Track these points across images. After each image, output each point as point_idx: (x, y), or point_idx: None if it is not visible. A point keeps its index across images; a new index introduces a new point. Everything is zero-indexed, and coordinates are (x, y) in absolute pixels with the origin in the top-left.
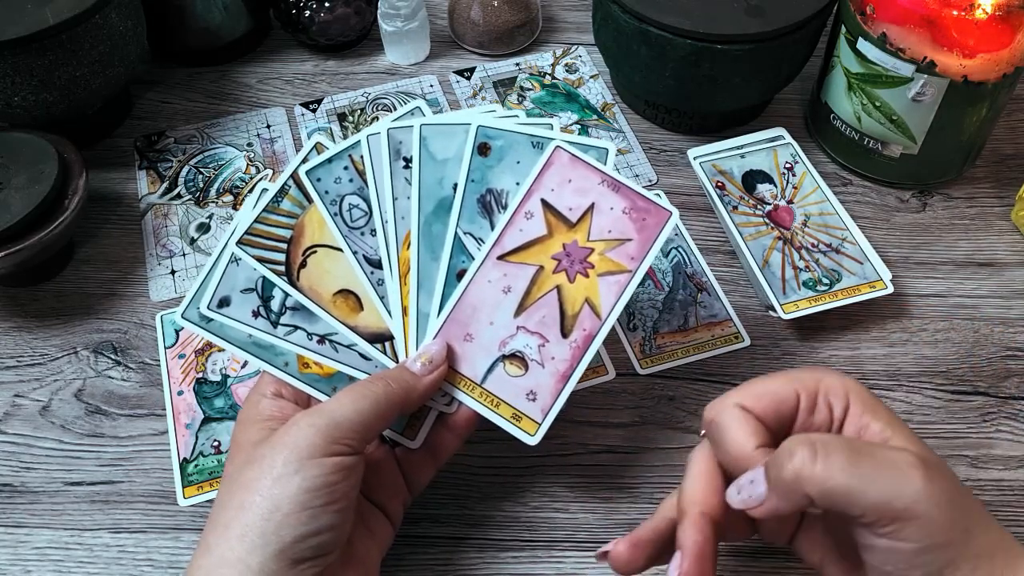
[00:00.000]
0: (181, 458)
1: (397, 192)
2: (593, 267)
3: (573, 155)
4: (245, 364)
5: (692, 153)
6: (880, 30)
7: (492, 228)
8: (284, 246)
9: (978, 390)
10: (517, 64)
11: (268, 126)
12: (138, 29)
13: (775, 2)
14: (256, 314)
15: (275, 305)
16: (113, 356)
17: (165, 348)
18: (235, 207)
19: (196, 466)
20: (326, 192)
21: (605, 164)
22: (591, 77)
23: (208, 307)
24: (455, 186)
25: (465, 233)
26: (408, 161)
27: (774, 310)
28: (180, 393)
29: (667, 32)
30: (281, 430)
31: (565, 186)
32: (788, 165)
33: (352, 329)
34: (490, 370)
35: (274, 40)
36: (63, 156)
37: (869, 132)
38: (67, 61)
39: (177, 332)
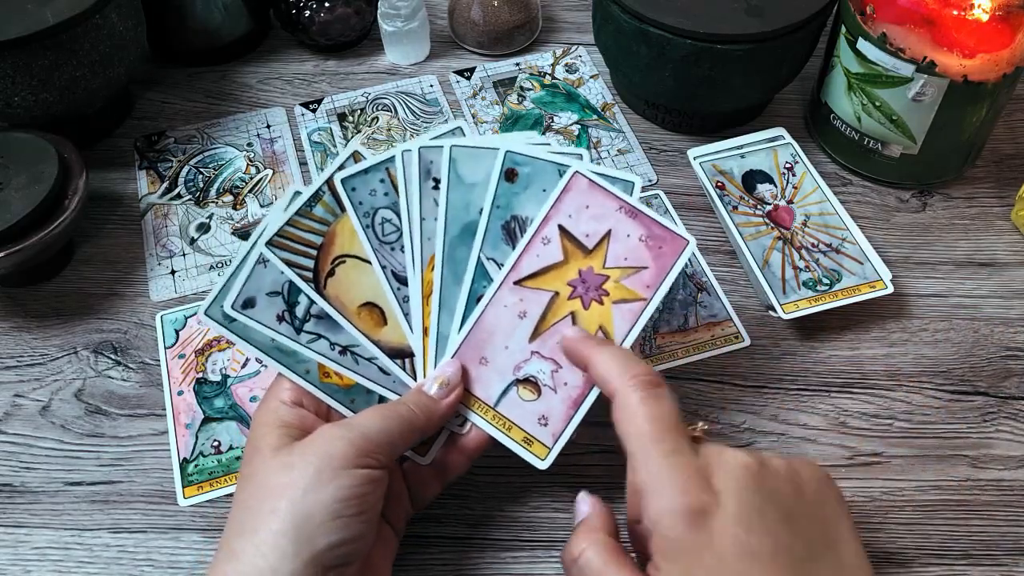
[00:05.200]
0: (181, 458)
1: (425, 212)
2: (608, 294)
3: (591, 181)
4: (245, 364)
5: (692, 153)
6: (880, 30)
7: None
8: (314, 252)
9: (978, 390)
10: (517, 64)
11: (268, 126)
12: (138, 29)
13: (775, 2)
14: (280, 319)
15: (300, 311)
16: (113, 356)
17: (165, 348)
18: (235, 207)
19: (196, 466)
20: (360, 203)
21: (630, 194)
22: (591, 77)
23: (232, 307)
24: (481, 211)
25: (488, 259)
26: (438, 182)
27: (774, 310)
28: (180, 393)
29: (667, 32)
30: (309, 439)
31: (583, 212)
32: (788, 165)
33: (375, 343)
34: (504, 394)
35: (274, 40)
36: (63, 156)
37: (869, 132)
38: (67, 61)
39: (177, 332)
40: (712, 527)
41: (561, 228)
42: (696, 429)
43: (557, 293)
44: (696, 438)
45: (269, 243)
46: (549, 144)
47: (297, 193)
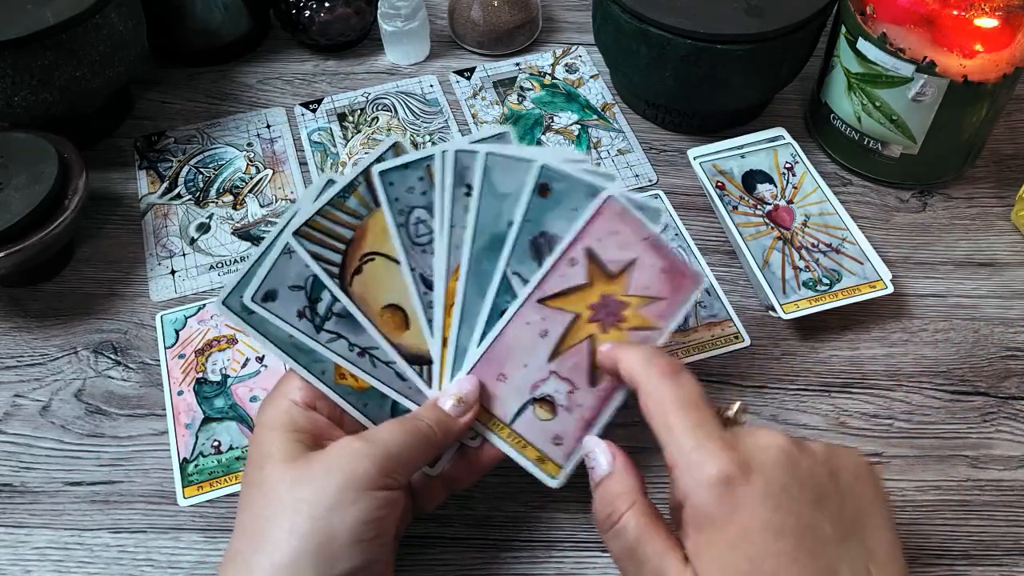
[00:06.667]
0: (181, 458)
1: (454, 220)
2: (625, 320)
3: (624, 208)
4: (245, 364)
5: (692, 153)
6: (880, 30)
7: None
8: (342, 246)
9: (978, 390)
10: (517, 64)
11: (268, 126)
12: (138, 29)
13: (775, 2)
14: (301, 315)
15: (321, 308)
16: (113, 356)
17: (165, 348)
18: (235, 207)
19: (196, 466)
20: (396, 199)
21: (657, 223)
22: (591, 77)
23: (252, 299)
24: (510, 224)
25: (513, 273)
26: (471, 188)
27: (774, 310)
28: (180, 393)
29: (667, 32)
30: (329, 451)
31: (612, 238)
32: (788, 165)
33: (395, 347)
34: (520, 412)
35: (274, 40)
36: (63, 156)
37: (869, 132)
38: (67, 61)
39: (177, 332)
40: (739, 501)
41: (589, 251)
42: (732, 410)
43: (578, 315)
44: (731, 420)
45: (296, 233)
46: (586, 161)
47: (331, 181)
